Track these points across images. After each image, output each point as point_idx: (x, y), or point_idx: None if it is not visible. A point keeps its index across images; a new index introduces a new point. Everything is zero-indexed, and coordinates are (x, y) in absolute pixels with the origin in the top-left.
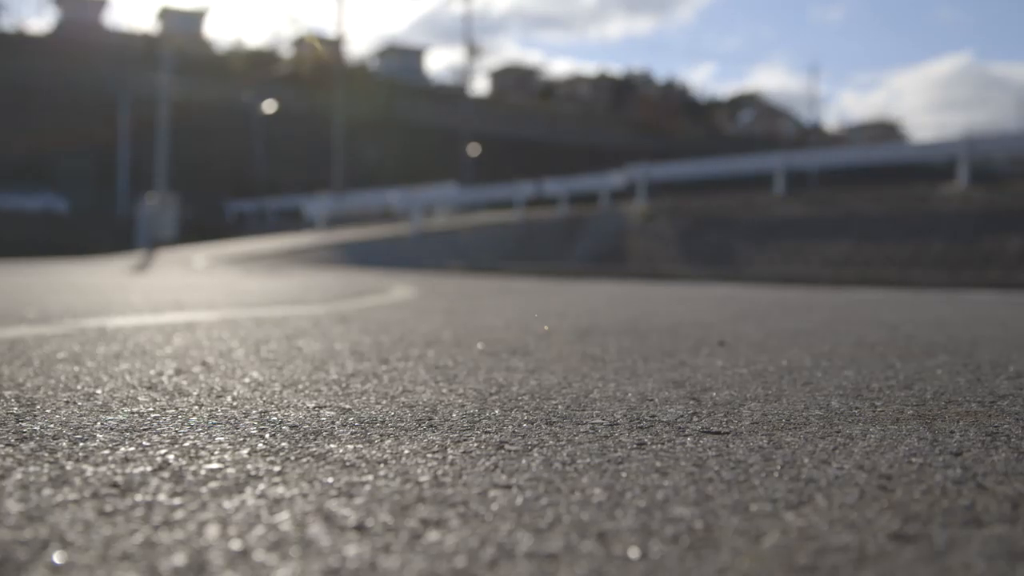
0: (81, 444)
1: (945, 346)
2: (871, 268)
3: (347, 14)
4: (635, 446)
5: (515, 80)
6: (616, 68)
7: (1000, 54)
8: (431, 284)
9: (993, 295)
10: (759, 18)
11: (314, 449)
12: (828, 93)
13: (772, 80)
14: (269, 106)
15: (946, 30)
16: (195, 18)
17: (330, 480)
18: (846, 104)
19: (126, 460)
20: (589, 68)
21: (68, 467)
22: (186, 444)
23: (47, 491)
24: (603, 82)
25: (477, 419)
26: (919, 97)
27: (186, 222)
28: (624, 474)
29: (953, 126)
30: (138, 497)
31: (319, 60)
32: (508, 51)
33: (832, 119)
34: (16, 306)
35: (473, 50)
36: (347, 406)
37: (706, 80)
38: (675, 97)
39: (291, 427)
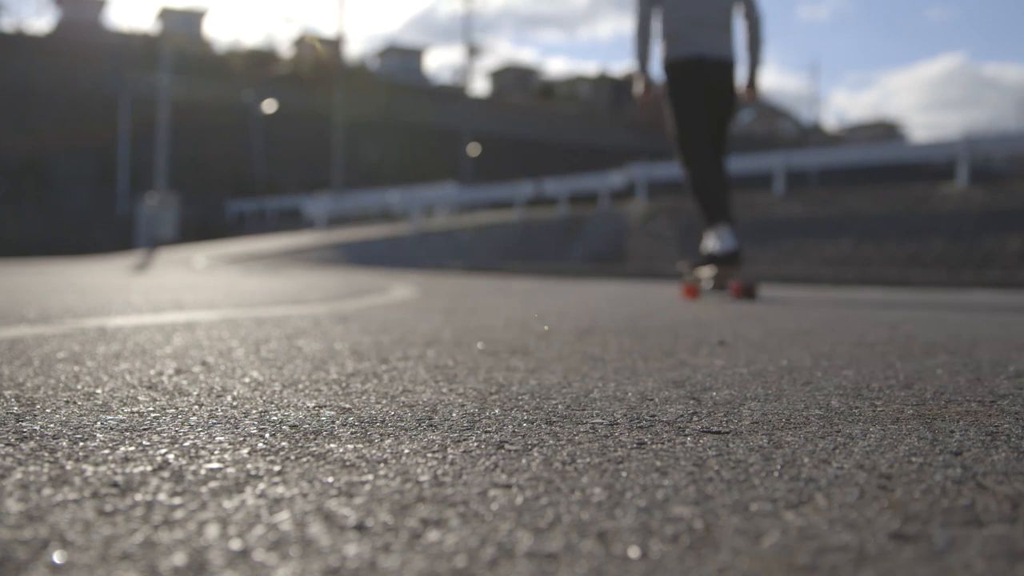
0: (81, 444)
1: (945, 346)
2: (871, 268)
3: (345, 14)
4: (635, 446)
5: (514, 80)
6: (608, 67)
7: (993, 55)
8: (431, 284)
9: (993, 295)
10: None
11: (314, 449)
12: (821, 92)
13: (765, 79)
14: (269, 106)
15: (938, 31)
16: (195, 18)
17: (330, 480)
18: (839, 103)
19: (126, 460)
20: (584, 67)
21: (68, 467)
22: (186, 444)
23: (47, 491)
24: (603, 82)
25: (477, 419)
26: (912, 97)
27: (186, 222)
28: (624, 474)
29: (946, 126)
30: (138, 497)
31: (319, 60)
32: (502, 50)
33: (829, 118)
34: (16, 306)
35: (473, 50)
36: (347, 406)
37: None
38: None
39: (291, 427)
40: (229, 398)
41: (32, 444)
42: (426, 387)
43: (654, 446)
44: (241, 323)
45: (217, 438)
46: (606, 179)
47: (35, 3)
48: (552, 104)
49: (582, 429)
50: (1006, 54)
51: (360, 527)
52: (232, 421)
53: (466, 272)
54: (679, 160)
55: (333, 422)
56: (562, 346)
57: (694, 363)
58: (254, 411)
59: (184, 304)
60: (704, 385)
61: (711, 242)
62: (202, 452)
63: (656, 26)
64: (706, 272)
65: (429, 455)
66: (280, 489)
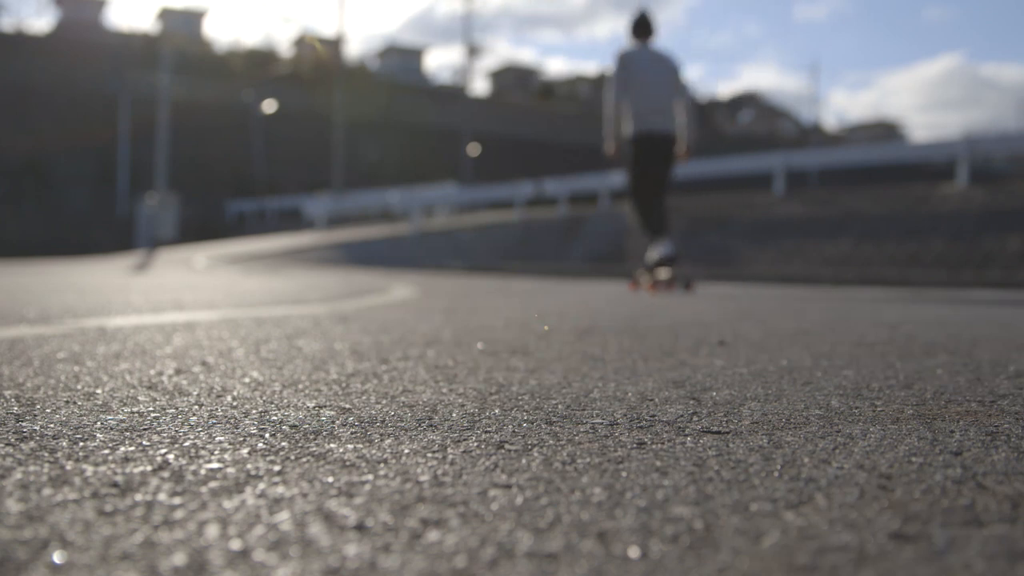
0: (81, 444)
1: (945, 346)
2: (871, 268)
3: (345, 14)
4: (635, 446)
5: (514, 80)
6: (608, 67)
7: (992, 55)
8: (431, 284)
9: (993, 295)
10: (746, 17)
11: (314, 449)
12: (821, 92)
13: (763, 79)
14: (269, 106)
15: (937, 31)
16: (195, 18)
17: (330, 480)
18: (838, 103)
19: (126, 460)
20: (582, 67)
21: (68, 467)
22: (186, 444)
23: (47, 491)
24: (603, 82)
25: (477, 419)
26: (911, 97)
27: (186, 222)
28: (624, 474)
29: (946, 126)
30: (138, 497)
31: (319, 60)
32: (502, 50)
33: (828, 118)
34: (16, 306)
35: (472, 50)
36: (347, 406)
37: (696, 79)
38: None
39: (291, 427)
40: (229, 398)
41: (32, 444)
42: (426, 387)
43: (654, 446)
44: (241, 323)
45: (217, 438)
46: (606, 179)
47: (35, 3)
48: (552, 104)
49: (582, 429)
50: (1005, 54)
51: (360, 527)
52: (232, 421)
53: (466, 272)
54: (630, 198)
55: (333, 422)
56: (562, 346)
57: (694, 363)
58: (254, 411)
59: (184, 304)
60: (704, 385)
61: (657, 251)
62: (202, 452)
63: (623, 111)
64: (663, 274)
65: (429, 455)
66: (280, 489)
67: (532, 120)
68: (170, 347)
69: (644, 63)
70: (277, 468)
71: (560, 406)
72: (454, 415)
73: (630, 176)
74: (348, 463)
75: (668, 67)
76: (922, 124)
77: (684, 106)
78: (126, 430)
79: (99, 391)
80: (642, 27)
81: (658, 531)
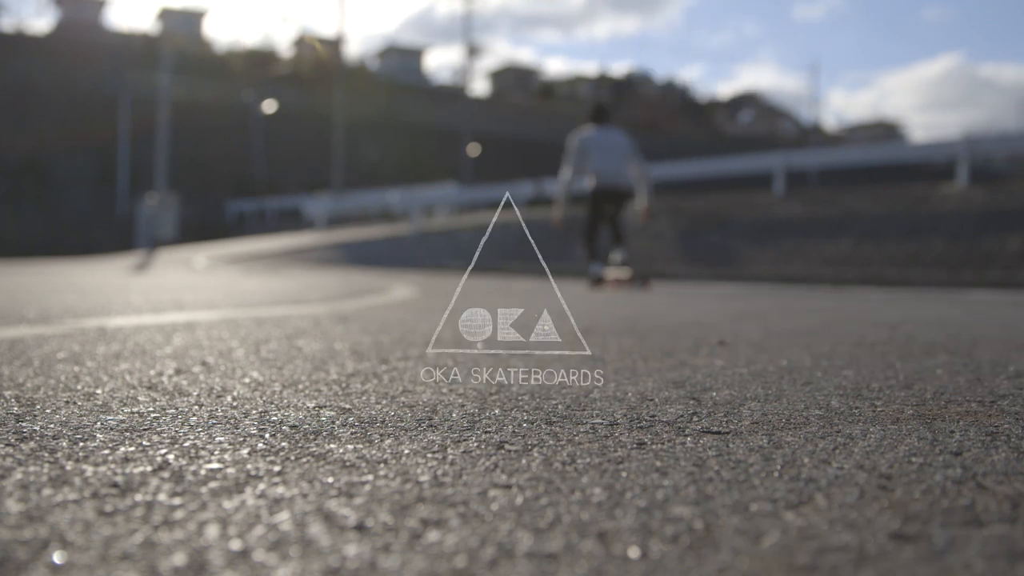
0: (81, 444)
1: (945, 346)
2: (871, 268)
3: (345, 14)
4: (635, 446)
5: (515, 80)
6: (608, 67)
7: (991, 55)
8: (431, 284)
9: (993, 295)
10: (745, 17)
11: (314, 449)
12: (819, 92)
13: (762, 79)
14: (269, 106)
15: (936, 31)
16: (195, 18)
17: (330, 480)
18: (836, 103)
19: (126, 460)
20: (582, 67)
21: (68, 467)
22: (186, 444)
23: (47, 491)
24: (603, 82)
25: (477, 419)
26: (910, 97)
27: (186, 222)
28: (624, 474)
29: (944, 126)
30: (138, 497)
31: (319, 60)
32: (501, 50)
33: (828, 118)
34: (16, 306)
35: (472, 50)
36: (347, 406)
37: (696, 79)
38: (675, 97)
39: (291, 427)
40: (229, 398)
41: (32, 444)
42: (426, 387)
43: (654, 446)
44: (241, 323)
45: (217, 438)
46: None
47: (35, 3)
48: (552, 104)
49: (582, 429)
50: (1004, 54)
51: (360, 527)
52: (232, 421)
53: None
54: (581, 232)
55: (333, 422)
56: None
57: (694, 363)
58: (254, 411)
59: (184, 304)
60: (704, 385)
61: (619, 255)
62: (202, 452)
63: (575, 181)
64: (617, 272)
65: (429, 455)
66: (280, 489)
67: (532, 120)
68: (170, 347)
69: (599, 139)
70: (277, 468)
71: (560, 406)
72: (454, 415)
73: (586, 216)
74: (348, 463)
75: (620, 140)
76: (921, 124)
77: (639, 169)
78: (126, 430)
79: (99, 391)
80: (600, 115)
81: (658, 531)
